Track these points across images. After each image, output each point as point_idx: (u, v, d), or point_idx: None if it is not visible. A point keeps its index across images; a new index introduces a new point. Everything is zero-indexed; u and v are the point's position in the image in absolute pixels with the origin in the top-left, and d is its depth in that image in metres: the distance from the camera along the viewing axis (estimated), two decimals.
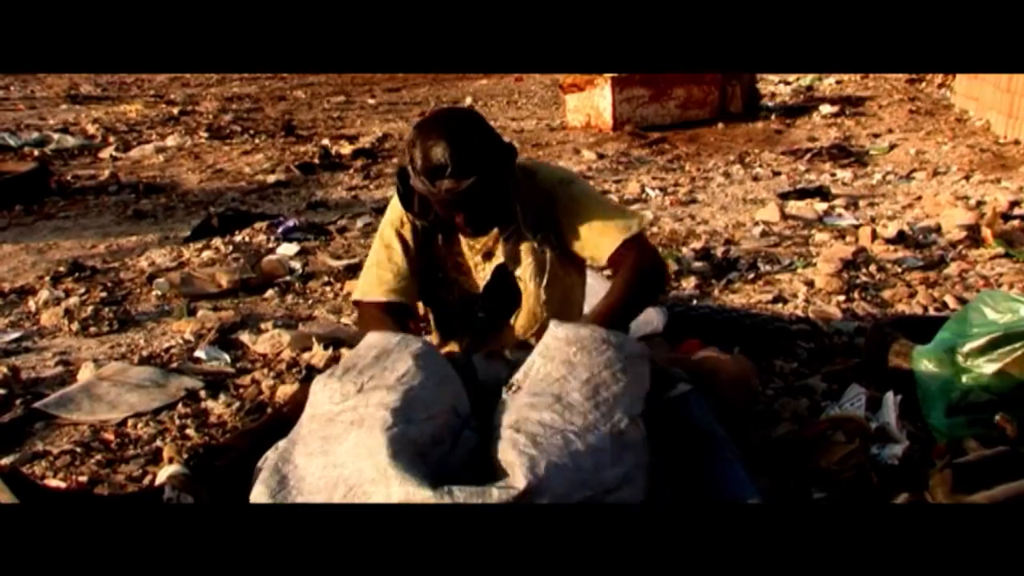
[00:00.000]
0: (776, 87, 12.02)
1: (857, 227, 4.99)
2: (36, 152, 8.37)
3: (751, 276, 4.24)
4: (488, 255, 2.39)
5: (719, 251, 4.60)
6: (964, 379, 2.53)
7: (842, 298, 3.85)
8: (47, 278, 4.34)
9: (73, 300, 3.90)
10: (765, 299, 3.91)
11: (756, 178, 6.67)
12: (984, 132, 7.77)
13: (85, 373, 3.18)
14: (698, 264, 4.40)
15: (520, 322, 2.42)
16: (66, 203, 6.26)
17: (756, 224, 5.22)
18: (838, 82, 12.32)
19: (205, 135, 9.23)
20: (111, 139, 9.09)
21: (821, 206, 5.60)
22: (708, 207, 5.78)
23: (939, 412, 2.52)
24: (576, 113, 9.12)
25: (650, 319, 3.11)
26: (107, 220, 5.76)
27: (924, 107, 9.42)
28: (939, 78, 11.41)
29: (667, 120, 8.94)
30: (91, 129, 9.71)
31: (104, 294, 4.06)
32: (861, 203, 5.70)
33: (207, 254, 4.66)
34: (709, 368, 2.48)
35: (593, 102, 8.90)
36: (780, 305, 3.84)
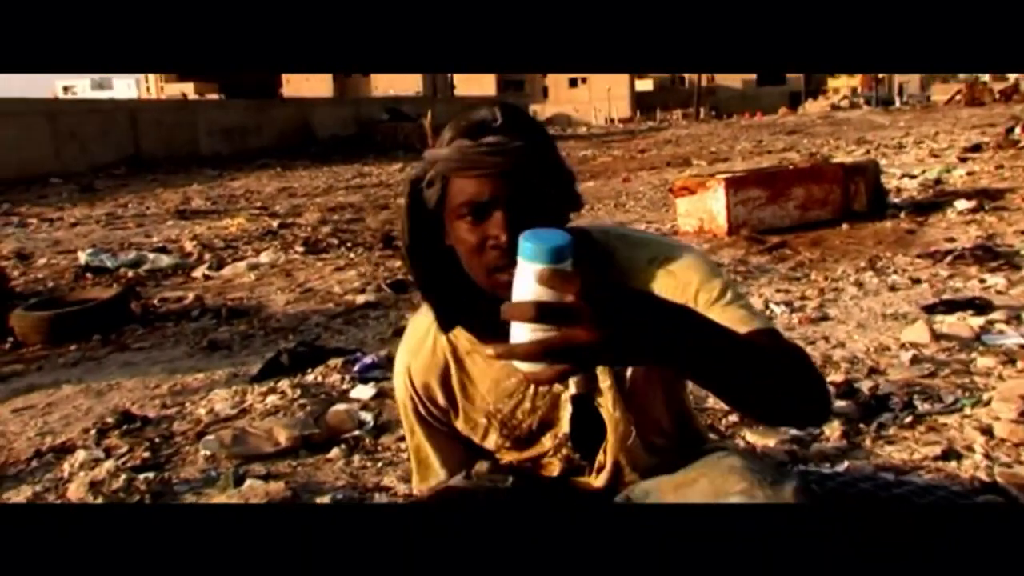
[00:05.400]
0: (901, 181, 11.23)
1: None
2: (131, 273, 8.24)
3: (907, 419, 3.50)
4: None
5: (864, 385, 3.87)
6: None
7: None
8: (93, 431, 3.90)
9: (108, 465, 3.41)
10: (931, 453, 3.17)
11: (893, 287, 5.91)
12: None
13: None
14: (841, 404, 3.68)
15: (609, 452, 1.74)
16: (145, 331, 5.96)
17: (903, 347, 4.48)
18: (969, 173, 11.44)
19: (301, 250, 9.02)
20: (206, 256, 8.95)
21: (977, 320, 4.84)
22: (843, 325, 5.05)
23: None
24: (688, 217, 8.54)
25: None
26: (179, 352, 5.38)
27: None
28: None
29: (786, 222, 8.28)
30: (189, 246, 9.62)
31: (148, 454, 3.56)
32: None
33: (272, 399, 4.15)
34: None
35: (706, 205, 8.31)
36: (953, 463, 3.08)
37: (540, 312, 1.06)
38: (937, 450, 3.18)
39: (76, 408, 4.34)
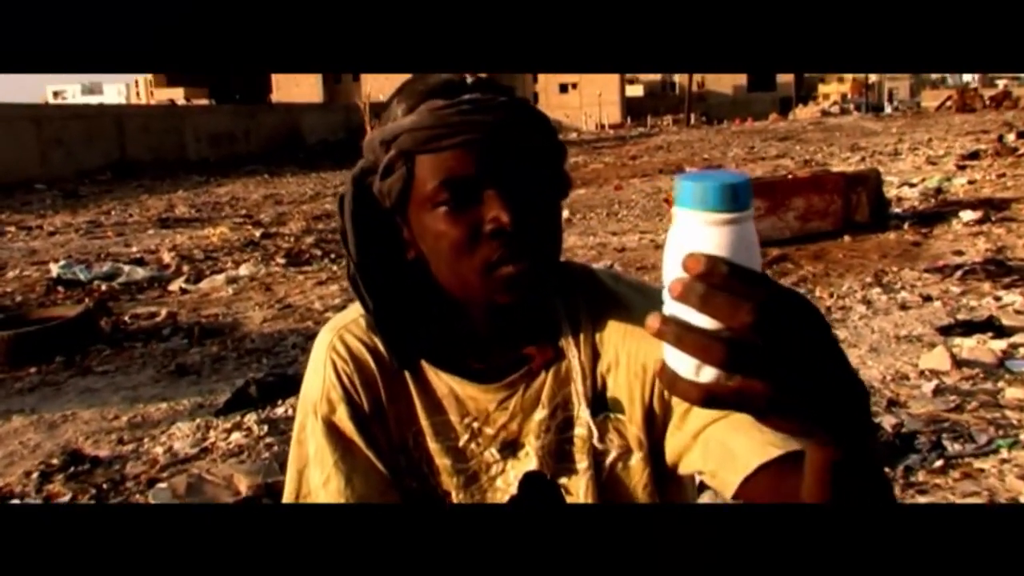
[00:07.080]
0: (900, 190, 10.92)
1: None
2: (104, 287, 7.87)
3: (937, 463, 3.17)
4: (511, 447, 1.21)
5: (886, 421, 3.55)
6: None
7: None
8: (35, 475, 3.54)
9: None
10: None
11: (904, 306, 5.59)
12: None
13: None
14: None
15: None
16: (111, 353, 5.59)
17: (923, 375, 4.17)
18: (970, 182, 11.15)
19: (282, 262, 8.68)
20: (184, 268, 8.59)
21: (998, 344, 4.53)
22: (855, 348, 4.74)
23: None
24: None
25: None
26: (145, 377, 5.02)
27: None
28: None
29: (786, 234, 7.96)
30: (167, 258, 9.25)
31: (92, 503, 3.22)
32: None
33: (236, 436, 3.81)
34: None
35: None
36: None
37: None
38: (979, 502, 2.87)
39: (23, 444, 3.98)
